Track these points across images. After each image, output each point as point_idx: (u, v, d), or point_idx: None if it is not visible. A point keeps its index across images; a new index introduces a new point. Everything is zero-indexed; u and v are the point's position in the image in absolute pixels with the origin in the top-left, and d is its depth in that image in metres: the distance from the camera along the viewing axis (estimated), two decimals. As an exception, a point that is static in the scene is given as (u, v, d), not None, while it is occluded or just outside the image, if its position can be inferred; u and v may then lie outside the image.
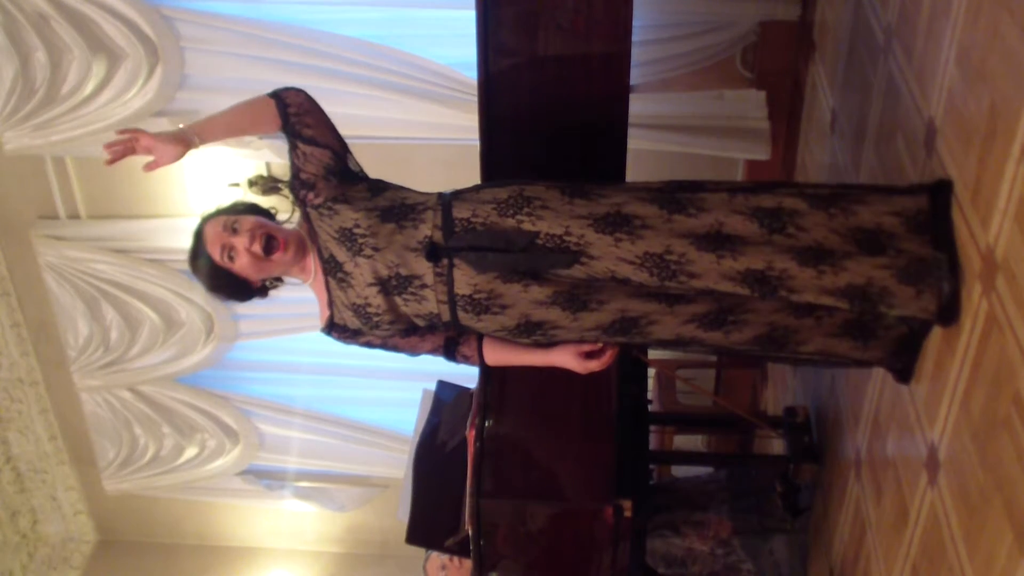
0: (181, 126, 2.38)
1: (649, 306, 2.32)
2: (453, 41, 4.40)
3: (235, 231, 2.34)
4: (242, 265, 2.35)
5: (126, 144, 2.32)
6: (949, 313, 2.22)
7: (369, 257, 2.33)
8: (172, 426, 5.67)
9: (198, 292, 4.90)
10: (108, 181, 4.97)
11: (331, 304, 2.45)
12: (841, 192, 2.32)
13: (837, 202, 2.28)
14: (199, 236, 2.40)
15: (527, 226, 2.28)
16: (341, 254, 2.35)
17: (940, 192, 2.30)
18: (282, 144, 4.72)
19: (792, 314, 2.33)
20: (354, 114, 4.41)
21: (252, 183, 4.84)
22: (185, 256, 2.47)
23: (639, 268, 2.25)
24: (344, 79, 4.34)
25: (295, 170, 2.42)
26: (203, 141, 2.38)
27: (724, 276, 2.23)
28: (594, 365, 2.48)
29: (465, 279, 2.31)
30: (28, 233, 5.05)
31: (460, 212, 2.33)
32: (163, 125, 4.47)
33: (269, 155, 4.60)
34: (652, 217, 2.26)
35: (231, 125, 2.46)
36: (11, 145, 4.58)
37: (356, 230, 2.33)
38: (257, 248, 2.33)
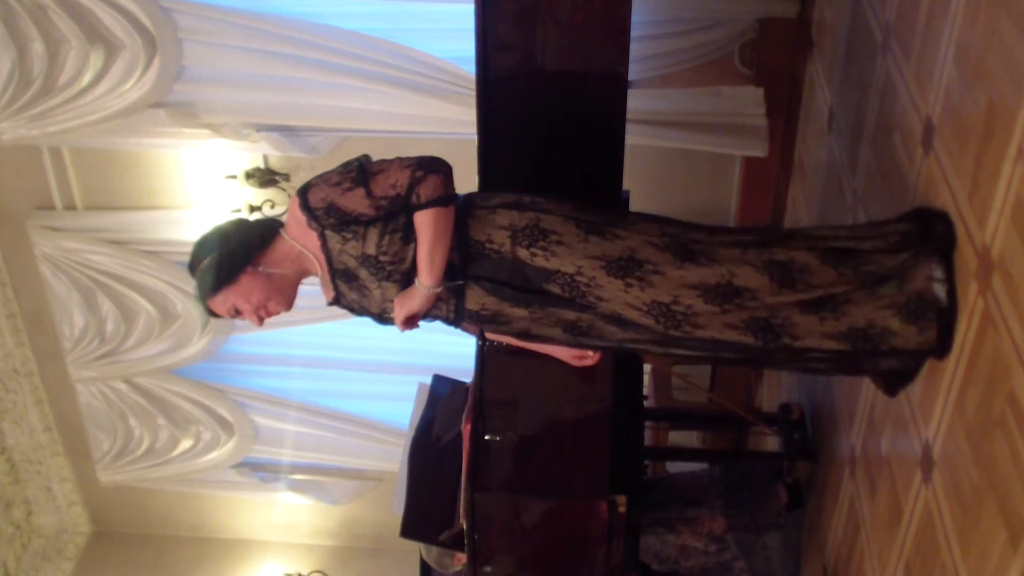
0: (421, 287, 2.32)
1: (646, 345, 2.44)
2: (451, 35, 4.39)
3: (238, 312, 2.41)
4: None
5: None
6: (945, 345, 2.25)
7: (397, 282, 2.34)
8: (167, 418, 5.66)
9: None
10: (105, 172, 4.96)
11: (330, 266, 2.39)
12: (853, 249, 2.33)
13: (848, 261, 2.30)
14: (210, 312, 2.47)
15: (540, 261, 2.31)
16: (362, 274, 2.35)
17: (939, 222, 2.31)
18: (279, 137, 4.72)
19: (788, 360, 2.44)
20: (352, 107, 4.41)
21: (249, 175, 4.84)
22: (182, 249, 2.48)
23: (645, 315, 2.31)
24: (342, 72, 4.33)
25: (356, 210, 2.29)
26: (436, 285, 2.32)
27: (728, 326, 2.29)
28: (588, 362, 2.71)
29: (475, 298, 2.39)
30: (24, 224, 5.04)
31: (476, 234, 2.33)
32: (160, 117, 4.47)
33: (266, 148, 4.59)
34: (664, 264, 2.30)
35: (444, 250, 2.32)
36: (8, 135, 4.56)
37: (383, 257, 2.31)
38: (265, 320, 2.43)
